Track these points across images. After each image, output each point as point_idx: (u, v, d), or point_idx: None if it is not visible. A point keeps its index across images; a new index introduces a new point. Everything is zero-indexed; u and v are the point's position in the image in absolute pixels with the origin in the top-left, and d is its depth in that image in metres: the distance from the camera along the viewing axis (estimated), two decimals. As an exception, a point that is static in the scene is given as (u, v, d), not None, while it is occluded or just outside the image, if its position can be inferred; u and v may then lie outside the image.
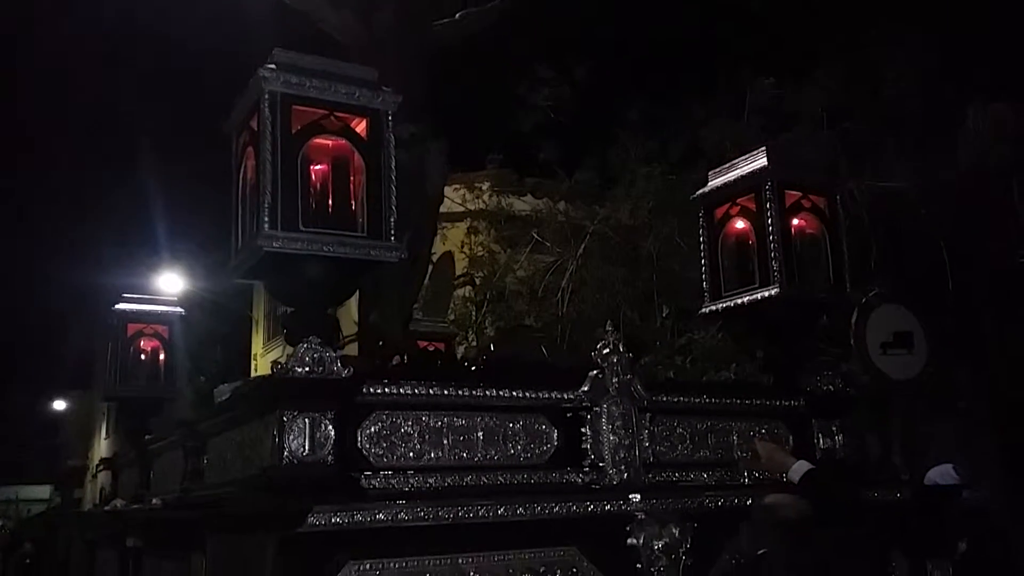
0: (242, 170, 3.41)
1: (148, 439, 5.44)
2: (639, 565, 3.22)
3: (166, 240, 17.53)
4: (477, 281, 11.08)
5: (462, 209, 11.26)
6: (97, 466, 13.29)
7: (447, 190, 10.72)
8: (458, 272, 11.46)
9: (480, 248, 11.22)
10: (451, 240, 11.22)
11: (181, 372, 6.03)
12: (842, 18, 10.10)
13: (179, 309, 6.05)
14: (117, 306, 5.85)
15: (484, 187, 11.52)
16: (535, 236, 10.96)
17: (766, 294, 4.00)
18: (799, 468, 3.23)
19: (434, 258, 11.46)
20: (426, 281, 9.69)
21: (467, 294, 11.03)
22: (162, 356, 5.87)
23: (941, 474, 4.99)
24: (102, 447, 24.66)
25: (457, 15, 5.29)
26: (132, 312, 5.86)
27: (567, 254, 10.60)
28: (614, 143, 10.84)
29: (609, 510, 3.24)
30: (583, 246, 10.50)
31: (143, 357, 5.86)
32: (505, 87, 11.02)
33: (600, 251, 10.62)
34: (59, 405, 31.14)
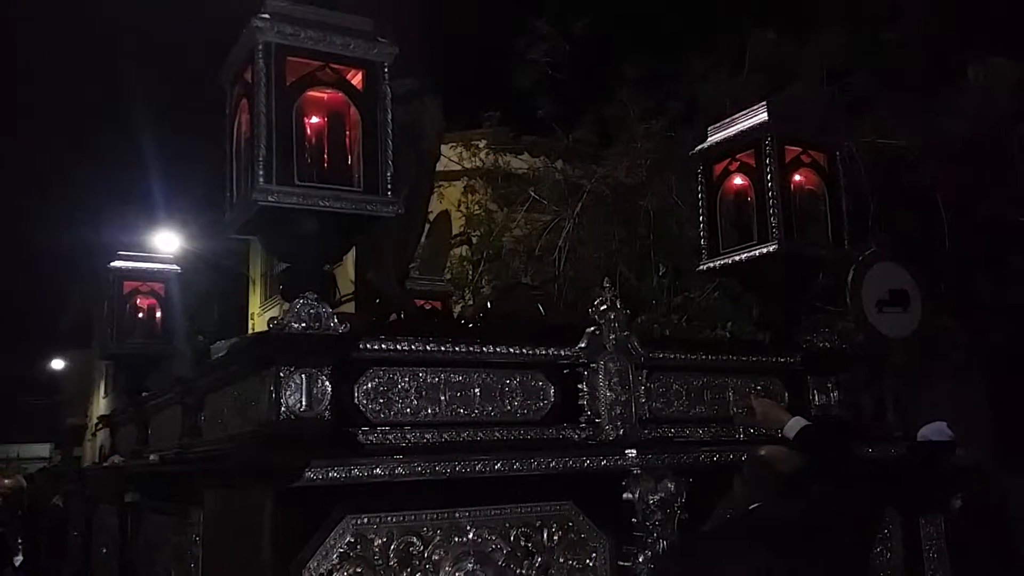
0: (236, 123, 3.38)
1: (146, 396, 5.45)
2: (635, 520, 3.24)
3: (162, 198, 17.43)
4: (474, 240, 11.03)
5: (459, 168, 11.17)
6: (96, 424, 13.34)
7: (443, 148, 10.68)
8: (455, 231, 11.40)
9: (477, 207, 11.14)
10: (448, 199, 11.15)
11: (178, 330, 6.01)
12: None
13: (175, 267, 6.02)
14: (113, 264, 5.82)
15: (481, 145, 11.40)
16: (532, 195, 10.88)
17: (764, 250, 3.99)
18: (794, 424, 3.23)
19: (431, 217, 11.50)
20: (423, 239, 9.69)
21: (464, 253, 10.99)
22: (158, 314, 5.86)
23: (934, 431, 5.01)
24: (101, 405, 24.73)
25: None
26: (128, 270, 5.84)
27: (564, 213, 10.53)
28: (612, 100, 10.74)
29: (605, 465, 3.25)
30: (580, 204, 10.44)
31: (140, 315, 5.85)
32: (502, 43, 10.88)
33: (597, 210, 10.56)
34: (58, 364, 31.18)
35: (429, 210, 10.98)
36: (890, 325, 4.70)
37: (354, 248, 4.80)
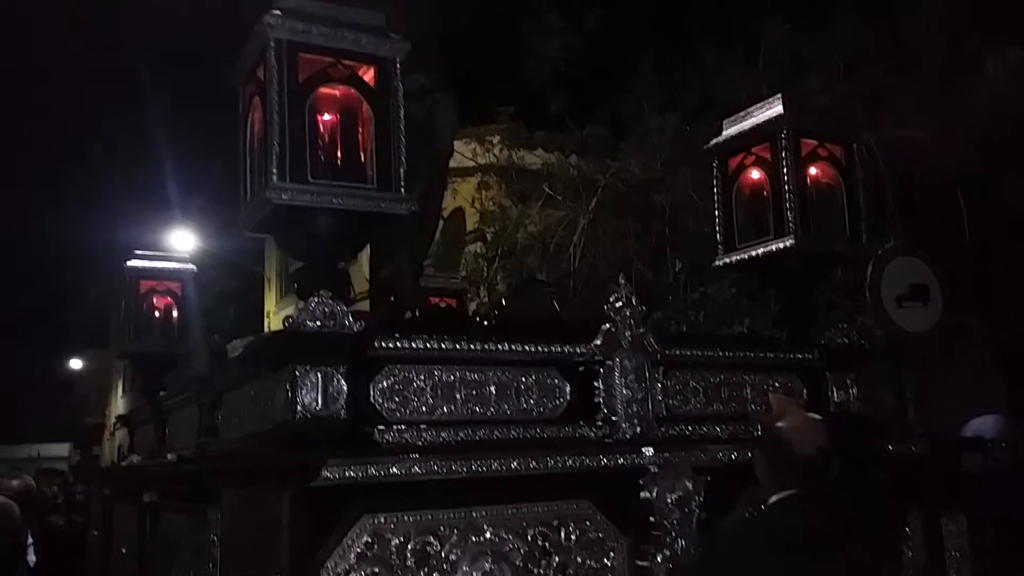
0: (249, 121, 3.37)
1: (163, 396, 5.46)
2: (652, 518, 3.21)
3: (178, 196, 17.50)
4: (488, 236, 11.01)
5: (472, 163, 11.15)
6: (114, 423, 13.42)
7: (457, 144, 10.67)
8: (469, 227, 11.40)
9: (491, 203, 11.13)
10: (462, 195, 11.14)
11: (195, 329, 6.03)
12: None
13: (191, 266, 6.04)
14: (129, 263, 5.84)
15: (495, 141, 11.39)
16: (546, 190, 10.85)
17: (781, 245, 3.95)
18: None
19: (445, 213, 11.49)
20: (437, 236, 9.69)
21: (478, 249, 10.97)
22: (175, 313, 5.87)
23: (982, 426, 4.92)
24: (119, 404, 24.87)
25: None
26: (144, 269, 5.86)
27: (579, 208, 10.50)
28: (626, 94, 10.69)
29: (622, 463, 3.23)
30: (595, 200, 10.40)
31: (156, 314, 5.87)
32: (515, 38, 10.84)
33: (612, 205, 10.52)
34: (76, 363, 31.37)
35: (443, 207, 11.00)
36: (910, 319, 4.64)
37: (368, 245, 4.80)
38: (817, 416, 3.09)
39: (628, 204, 10.55)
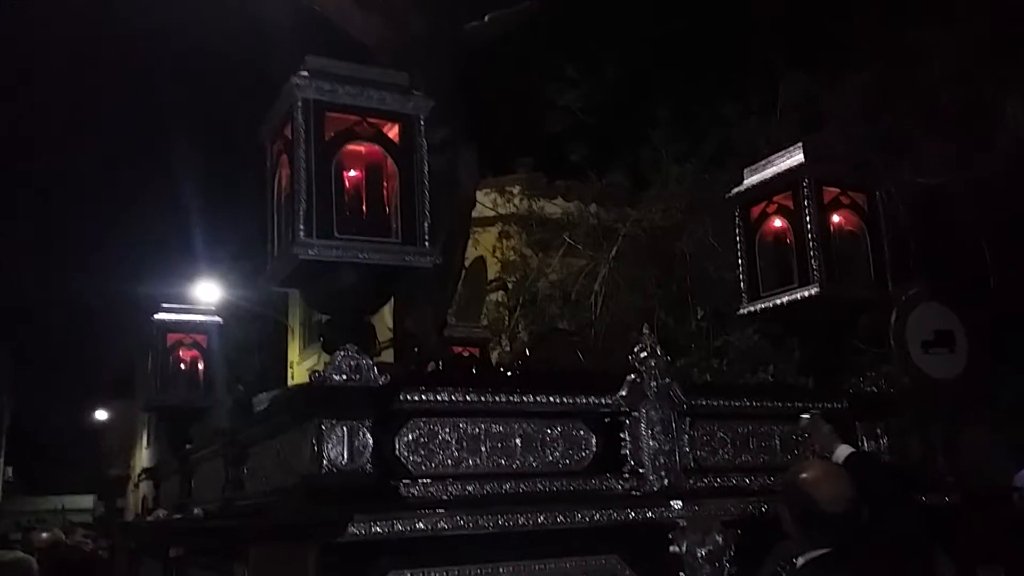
0: (276, 178, 3.42)
1: (189, 449, 5.47)
2: (682, 573, 3.17)
3: (203, 248, 17.71)
4: (510, 285, 11.04)
5: (493, 213, 11.23)
6: (139, 476, 13.43)
7: (478, 195, 10.77)
8: (491, 277, 11.43)
9: (512, 252, 11.18)
10: (483, 245, 11.19)
11: (220, 380, 6.05)
12: (878, 10, 9.95)
13: (217, 318, 6.08)
14: (156, 316, 5.89)
15: (515, 191, 11.48)
16: (567, 239, 10.91)
17: (805, 294, 3.93)
18: (843, 452, 3.14)
19: (466, 263, 11.54)
20: (459, 286, 9.72)
21: (500, 299, 11.00)
22: (201, 365, 5.91)
23: None
24: (144, 457, 24.95)
25: (486, 17, 5.25)
26: (171, 322, 5.91)
27: (600, 257, 10.54)
28: (645, 143, 10.77)
29: (650, 517, 3.20)
30: (615, 248, 10.43)
31: (182, 366, 5.91)
32: (534, 89, 10.98)
33: (633, 253, 10.54)
34: (101, 415, 31.56)
35: (465, 256, 11.05)
36: (937, 366, 4.60)
37: (393, 297, 4.83)
38: (841, 457, 3.05)
39: (649, 252, 10.55)
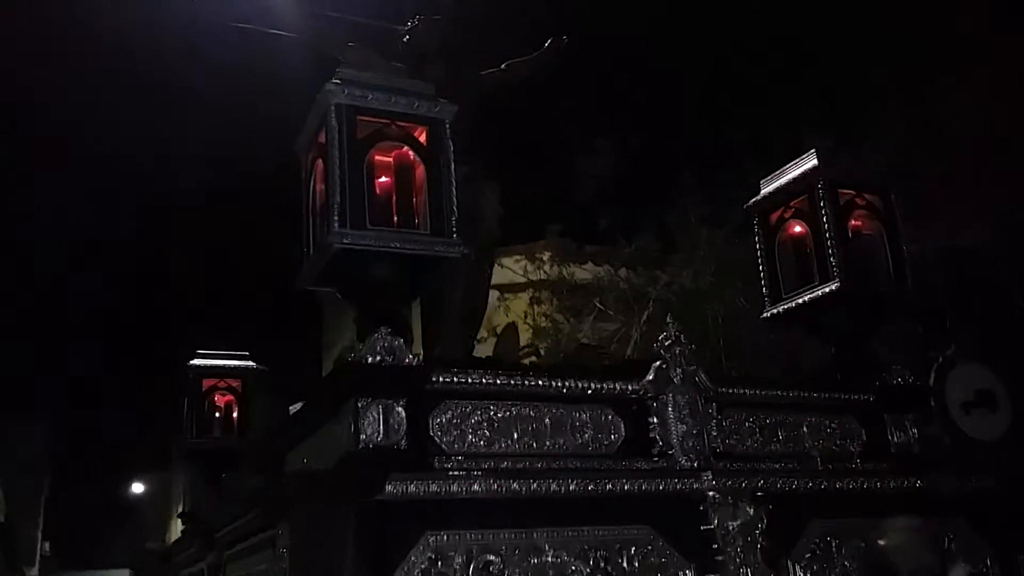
0: (311, 186, 3.62)
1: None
2: (715, 545, 3.19)
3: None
4: (542, 351, 11.09)
5: (523, 280, 11.39)
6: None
7: (507, 261, 10.94)
8: (522, 343, 11.50)
9: (543, 318, 11.25)
10: (514, 311, 11.31)
11: (255, 423, 6.16)
12: (902, 71, 10.19)
13: (252, 363, 6.23)
14: (192, 362, 6.06)
15: (544, 257, 11.63)
16: (597, 304, 10.99)
17: (827, 289, 4.02)
18: None
19: (498, 329, 11.65)
20: (493, 341, 9.80)
21: (532, 364, 11.04)
22: (235, 411, 6.04)
23: None
24: (178, 529, 24.68)
25: (504, 65, 5.53)
26: (207, 367, 6.08)
27: (631, 321, 10.60)
28: (673, 208, 10.95)
29: (681, 489, 3.24)
30: (647, 313, 10.49)
31: (217, 413, 6.04)
32: (562, 158, 11.28)
33: (664, 317, 10.55)
34: (138, 488, 31.47)
35: (495, 324, 11.15)
36: (979, 427, 4.55)
37: (421, 325, 4.98)
38: None
39: (680, 316, 10.57)
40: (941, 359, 4.41)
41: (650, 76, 11.45)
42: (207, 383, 6.05)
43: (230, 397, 6.05)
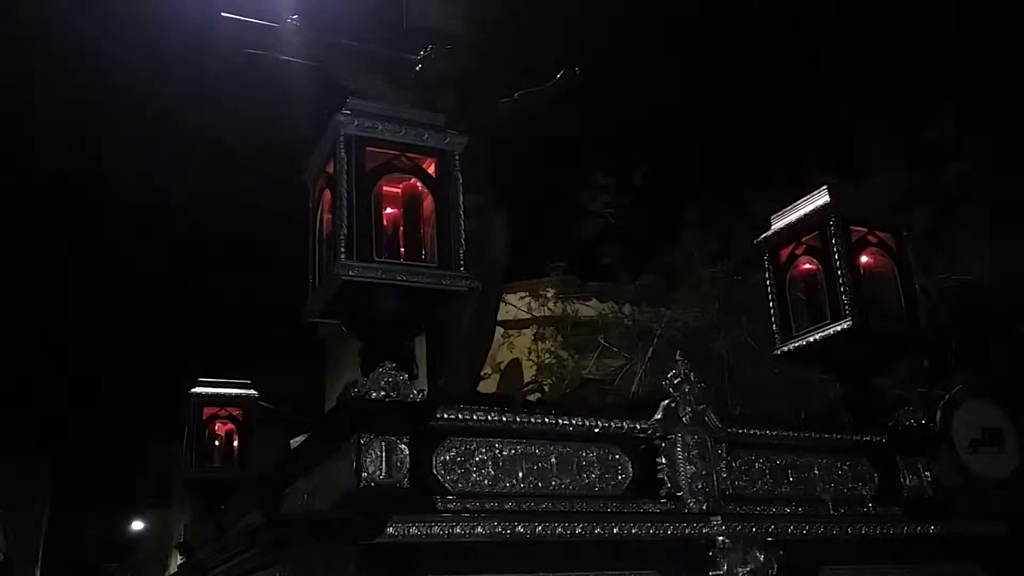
0: (318, 216, 3.58)
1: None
2: (725, 592, 3.10)
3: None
4: (546, 388, 11.02)
5: (528, 316, 11.34)
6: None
7: (512, 298, 10.89)
8: (526, 379, 11.43)
9: (548, 355, 11.19)
10: (518, 348, 11.26)
11: (254, 453, 6.07)
12: (904, 111, 10.21)
13: (253, 392, 6.15)
14: (194, 390, 5.99)
15: (549, 294, 11.59)
16: (602, 341, 10.93)
17: (838, 328, 3.96)
18: None
19: (502, 366, 11.58)
20: (497, 377, 9.69)
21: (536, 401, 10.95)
22: (236, 440, 5.96)
23: None
24: (176, 563, 24.36)
25: (516, 95, 5.51)
26: (208, 395, 6.00)
27: (635, 358, 10.53)
28: (677, 245, 10.93)
29: (690, 534, 3.16)
30: (651, 349, 10.43)
31: (217, 442, 5.96)
32: (565, 196, 11.28)
33: (669, 354, 10.49)
34: (137, 525, 31.22)
35: (499, 360, 11.08)
36: (987, 465, 4.47)
37: (426, 357, 4.91)
38: None
39: (685, 352, 10.49)
40: (947, 396, 4.33)
41: (656, 112, 11.48)
42: (207, 411, 5.98)
43: (231, 426, 5.97)
